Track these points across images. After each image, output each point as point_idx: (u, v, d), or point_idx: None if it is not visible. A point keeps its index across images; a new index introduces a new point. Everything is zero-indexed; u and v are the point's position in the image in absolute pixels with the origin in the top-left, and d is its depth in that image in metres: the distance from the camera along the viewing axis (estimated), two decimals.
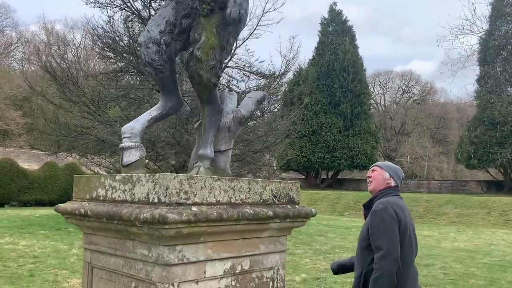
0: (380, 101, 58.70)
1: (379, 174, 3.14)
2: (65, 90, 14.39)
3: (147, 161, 14.02)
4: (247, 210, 2.23)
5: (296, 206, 2.54)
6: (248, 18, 2.73)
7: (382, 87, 58.67)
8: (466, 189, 33.80)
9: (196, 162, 2.52)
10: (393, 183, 3.12)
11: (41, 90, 16.61)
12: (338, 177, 42.39)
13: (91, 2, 14.91)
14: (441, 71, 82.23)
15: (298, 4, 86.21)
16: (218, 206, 2.15)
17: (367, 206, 3.08)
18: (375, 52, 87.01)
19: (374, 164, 3.27)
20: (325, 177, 42.88)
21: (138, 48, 13.34)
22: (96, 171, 16.83)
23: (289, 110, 24.11)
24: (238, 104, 2.85)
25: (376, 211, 2.80)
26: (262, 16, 14.21)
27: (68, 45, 29.65)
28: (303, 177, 42.30)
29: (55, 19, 49.38)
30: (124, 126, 2.43)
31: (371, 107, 45.45)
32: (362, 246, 2.87)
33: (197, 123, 2.68)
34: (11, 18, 46.72)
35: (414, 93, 58.20)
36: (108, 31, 15.25)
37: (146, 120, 2.48)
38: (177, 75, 2.62)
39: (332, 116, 38.22)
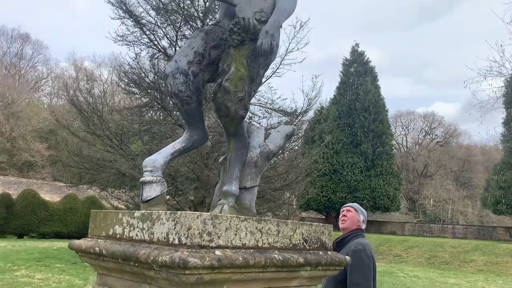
0: (402, 142, 58.03)
1: (354, 216, 3.45)
2: (90, 124, 14.61)
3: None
4: (276, 255, 2.02)
5: (328, 252, 2.31)
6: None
7: (404, 128, 58.17)
8: (493, 235, 32.45)
9: (220, 199, 2.36)
10: (363, 226, 3.52)
11: (67, 123, 16.91)
12: None
13: (119, 40, 15.35)
14: (469, 113, 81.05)
15: (320, 45, 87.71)
16: (243, 250, 1.95)
17: (339, 243, 3.41)
18: (397, 93, 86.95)
19: (349, 204, 3.56)
20: None
21: (163, 83, 13.54)
22: (115, 205, 16.79)
23: (310, 148, 23.92)
24: (265, 138, 2.70)
25: (357, 251, 3.18)
26: (285, 55, 14.33)
27: (95, 81, 30.51)
28: (323, 217, 41.44)
29: (84, 56, 51.53)
30: (146, 159, 2.29)
31: (393, 147, 44.88)
32: (337, 279, 3.16)
33: (222, 157, 2.54)
34: (43, 55, 48.67)
35: (437, 135, 57.42)
36: (134, 68, 15.61)
37: (169, 153, 2.35)
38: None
39: (354, 156, 37.79)
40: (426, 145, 56.00)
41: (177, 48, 15.61)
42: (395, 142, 50.79)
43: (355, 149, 37.99)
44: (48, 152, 34.47)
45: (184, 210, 13.29)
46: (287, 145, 17.10)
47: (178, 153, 2.38)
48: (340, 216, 3.54)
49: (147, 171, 2.23)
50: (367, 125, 38.33)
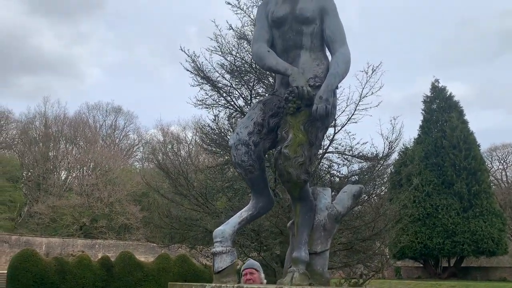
0: (502, 177, 53.26)
1: (257, 276, 3.48)
2: (177, 185, 15.38)
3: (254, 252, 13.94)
4: None
5: None
6: (338, 110, 2.66)
7: (502, 162, 53.55)
8: None
9: (291, 267, 2.34)
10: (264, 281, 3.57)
11: (156, 186, 17.97)
12: (462, 264, 37.88)
13: (199, 105, 16.30)
14: None
15: (398, 86, 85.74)
16: None
17: None
18: (489, 125, 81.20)
19: (250, 266, 3.64)
20: (447, 265, 38.53)
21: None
22: (204, 263, 17.15)
23: (398, 192, 22.82)
24: (333, 199, 2.68)
25: None
26: (359, 101, 14.16)
27: (181, 143, 32.37)
28: (421, 265, 38.58)
29: (171, 121, 54.95)
30: (215, 230, 2.39)
31: (492, 184, 41.34)
32: None
33: (290, 222, 2.55)
34: (134, 124, 53.05)
35: None
36: (214, 129, 16.37)
37: (237, 222, 2.42)
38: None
39: (447, 197, 35.30)
40: None
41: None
42: (493, 178, 46.82)
43: (448, 189, 35.55)
44: (142, 214, 36.58)
45: (271, 266, 13.11)
46: (372, 191, 16.52)
47: (245, 222, 2.44)
48: (244, 278, 3.51)
49: (217, 241, 2.32)
50: (458, 162, 35.95)
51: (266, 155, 2.59)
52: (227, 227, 2.39)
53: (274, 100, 2.55)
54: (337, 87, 2.51)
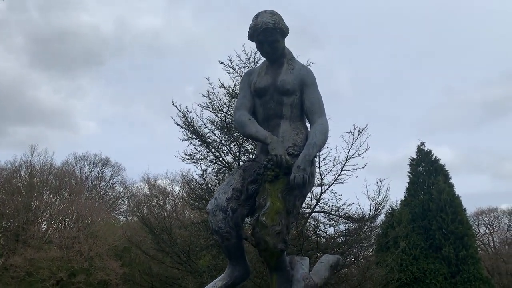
0: (489, 243, 52.99)
1: None
2: (159, 241, 15.06)
3: None
4: None
5: None
6: (325, 169, 2.68)
7: (488, 226, 53.52)
8: None
9: None
10: None
11: (138, 242, 17.53)
12: None
13: (187, 159, 16.34)
14: None
15: (383, 148, 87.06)
16: None
17: None
18: (474, 190, 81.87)
19: None
20: None
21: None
22: None
23: (386, 255, 22.50)
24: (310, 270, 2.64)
25: None
26: (346, 162, 14.33)
27: (167, 197, 31.97)
28: None
29: (158, 174, 54.62)
30: None
31: (479, 249, 41.04)
32: None
33: None
34: (121, 176, 52.52)
35: None
36: (201, 184, 16.30)
37: None
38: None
39: (435, 262, 34.79)
40: None
41: (240, 163, 16.26)
42: (480, 243, 46.55)
43: (436, 253, 35.10)
44: (122, 270, 35.28)
45: None
46: (358, 254, 16.26)
47: None
48: None
49: None
50: (445, 226, 35.75)
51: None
52: None
53: (254, 167, 2.58)
54: (315, 156, 2.56)
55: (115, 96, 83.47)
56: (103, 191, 51.22)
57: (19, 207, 39.66)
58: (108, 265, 35.05)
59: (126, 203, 50.31)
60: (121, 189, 51.75)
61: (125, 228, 33.35)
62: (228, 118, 15.43)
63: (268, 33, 3.27)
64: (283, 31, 3.37)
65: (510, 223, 52.61)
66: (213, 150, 16.44)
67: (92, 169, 51.25)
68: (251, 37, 3.43)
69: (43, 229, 41.70)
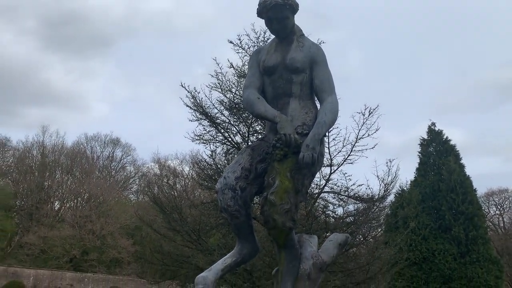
0: (499, 223, 52.86)
1: None
2: (170, 220, 15.22)
3: None
4: None
5: None
6: (334, 150, 2.67)
7: (498, 207, 53.29)
8: None
9: None
10: None
11: (149, 220, 17.76)
12: None
13: (196, 140, 16.37)
14: None
15: (395, 130, 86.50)
16: None
17: None
18: (485, 170, 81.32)
19: None
20: None
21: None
22: None
23: (395, 235, 22.55)
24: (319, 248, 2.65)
25: None
26: (356, 142, 14.23)
27: (177, 177, 32.23)
28: None
29: (168, 155, 55.03)
30: (197, 276, 2.36)
31: (488, 230, 41.00)
32: None
33: (274, 270, 2.51)
34: (131, 156, 52.94)
35: None
36: (210, 164, 16.36)
37: (220, 269, 2.38)
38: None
39: (444, 242, 34.85)
40: None
41: (249, 143, 16.25)
42: (490, 224, 46.46)
43: (445, 234, 35.14)
44: (134, 248, 35.92)
45: None
46: (367, 234, 16.30)
47: (229, 268, 2.40)
48: None
49: None
50: (455, 207, 35.68)
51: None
52: (210, 274, 2.36)
53: (262, 146, 2.57)
54: (324, 135, 2.54)
55: (125, 77, 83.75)
56: (114, 171, 51.77)
57: (32, 187, 40.34)
58: (120, 243, 35.73)
59: (137, 182, 50.88)
60: (132, 169, 52.29)
61: (136, 207, 33.82)
62: (236, 98, 15.37)
63: (277, 9, 3.21)
64: (293, 8, 3.31)
65: None
66: (222, 130, 16.44)
67: (103, 149, 51.74)
68: (260, 14, 3.38)
69: (56, 208, 42.47)
